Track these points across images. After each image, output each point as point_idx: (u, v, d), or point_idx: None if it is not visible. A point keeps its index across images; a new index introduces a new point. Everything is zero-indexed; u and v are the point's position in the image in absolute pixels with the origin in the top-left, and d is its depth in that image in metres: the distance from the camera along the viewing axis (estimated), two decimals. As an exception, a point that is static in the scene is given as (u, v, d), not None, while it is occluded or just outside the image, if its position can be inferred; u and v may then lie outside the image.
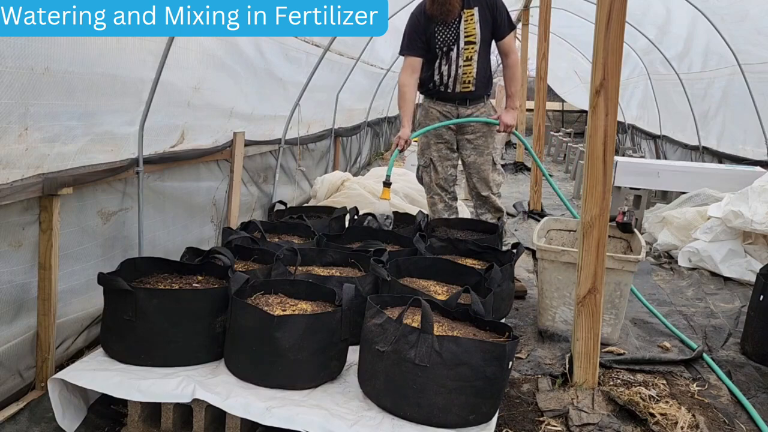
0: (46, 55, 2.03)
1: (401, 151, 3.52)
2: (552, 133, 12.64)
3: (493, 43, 3.53)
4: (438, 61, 3.48)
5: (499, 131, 3.59)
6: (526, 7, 8.73)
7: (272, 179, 4.78)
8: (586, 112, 2.48)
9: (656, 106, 9.09)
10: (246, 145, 4.00)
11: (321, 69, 4.98)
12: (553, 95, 16.13)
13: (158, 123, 2.90)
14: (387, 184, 3.46)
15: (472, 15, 3.40)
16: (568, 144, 10.40)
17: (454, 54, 3.43)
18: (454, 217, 3.76)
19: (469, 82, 3.49)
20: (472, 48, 3.43)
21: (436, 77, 3.51)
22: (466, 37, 3.41)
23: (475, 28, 3.41)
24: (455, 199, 3.84)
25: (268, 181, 4.73)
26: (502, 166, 4.49)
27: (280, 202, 4.27)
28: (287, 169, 5.11)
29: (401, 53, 3.59)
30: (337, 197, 5.11)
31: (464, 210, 5.17)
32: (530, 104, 8.94)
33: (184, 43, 2.86)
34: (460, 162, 3.74)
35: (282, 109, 4.70)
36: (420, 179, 3.80)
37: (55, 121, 2.20)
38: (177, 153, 3.18)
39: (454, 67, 3.46)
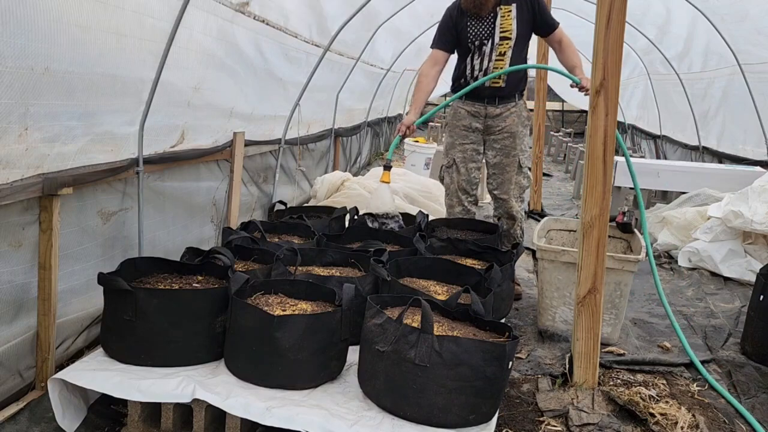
0: (46, 55, 2.03)
1: (403, 137, 3.48)
2: (552, 133, 12.65)
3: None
4: (471, 55, 3.45)
5: (574, 86, 3.37)
6: (526, 7, 8.71)
7: (272, 179, 4.77)
8: (586, 112, 2.48)
9: (656, 106, 9.09)
10: (246, 145, 4.00)
11: (321, 69, 4.98)
12: (553, 95, 16.11)
13: (158, 123, 2.90)
14: (387, 167, 3.42)
15: (510, 11, 3.38)
16: (568, 144, 10.41)
17: (487, 48, 3.39)
18: (454, 217, 3.73)
19: (499, 77, 3.43)
20: (507, 44, 3.40)
21: (468, 71, 3.47)
22: (501, 32, 3.38)
23: (511, 24, 3.38)
24: (476, 203, 3.75)
25: (268, 181, 4.72)
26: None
27: (280, 202, 4.27)
28: (287, 169, 5.11)
29: (431, 46, 3.57)
30: (337, 197, 5.11)
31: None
32: (530, 104, 8.94)
33: (184, 43, 2.86)
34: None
35: (282, 109, 4.70)
36: (441, 179, 3.74)
37: (55, 121, 2.20)
38: (177, 153, 3.18)
39: (486, 60, 3.42)
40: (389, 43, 7.18)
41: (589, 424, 2.25)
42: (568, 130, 12.72)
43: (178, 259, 2.67)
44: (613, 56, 2.33)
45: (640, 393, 2.46)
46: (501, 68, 3.41)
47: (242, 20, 3.37)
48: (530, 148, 3.71)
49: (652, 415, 2.31)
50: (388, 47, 7.38)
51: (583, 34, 9.97)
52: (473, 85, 3.39)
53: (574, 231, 3.55)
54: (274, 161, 4.80)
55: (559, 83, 15.47)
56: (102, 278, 2.21)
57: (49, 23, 1.99)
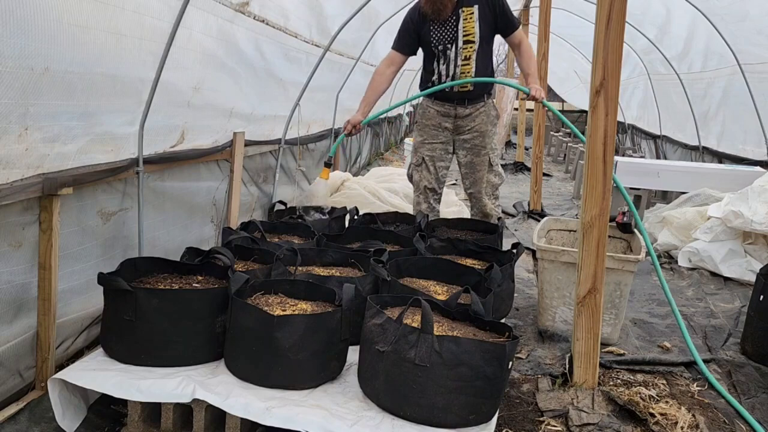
0: (46, 55, 2.03)
1: (348, 135, 3.55)
2: (552, 133, 12.65)
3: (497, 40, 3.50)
4: (436, 60, 3.46)
5: (525, 99, 3.45)
6: (526, 7, 8.73)
7: (272, 179, 4.77)
8: (586, 112, 2.48)
9: (656, 106, 9.09)
10: (246, 145, 3.99)
11: (321, 69, 4.98)
12: (553, 95, 16.14)
13: (158, 123, 2.90)
14: (328, 164, 3.51)
15: (472, 13, 3.37)
16: (568, 144, 10.41)
17: (451, 53, 3.40)
18: (454, 217, 3.74)
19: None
20: (471, 47, 3.40)
21: (435, 77, 3.49)
22: (464, 36, 3.38)
23: (474, 27, 3.37)
24: (439, 201, 3.80)
25: (268, 181, 4.72)
26: (502, 166, 4.45)
27: (280, 202, 4.27)
28: (287, 169, 5.11)
29: (391, 47, 3.60)
30: (337, 197, 5.11)
31: (464, 210, 5.17)
32: (530, 104, 8.94)
33: (184, 43, 2.86)
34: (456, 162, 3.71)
35: (282, 109, 4.70)
36: (410, 177, 3.78)
37: (55, 121, 2.20)
38: (177, 153, 3.18)
39: (452, 66, 3.42)
40: (389, 43, 7.17)
41: (589, 424, 2.25)
42: (568, 130, 12.72)
43: (178, 259, 2.67)
44: (613, 56, 2.33)
45: (640, 393, 2.46)
46: (468, 72, 3.42)
47: (242, 20, 3.37)
48: (498, 146, 3.76)
49: (652, 415, 2.31)
50: (388, 47, 7.37)
51: (583, 34, 10.02)
52: (438, 87, 3.40)
53: (574, 231, 3.55)
54: (274, 161, 4.79)
55: (559, 84, 15.50)
56: (102, 278, 2.21)
57: (49, 23, 1.99)
